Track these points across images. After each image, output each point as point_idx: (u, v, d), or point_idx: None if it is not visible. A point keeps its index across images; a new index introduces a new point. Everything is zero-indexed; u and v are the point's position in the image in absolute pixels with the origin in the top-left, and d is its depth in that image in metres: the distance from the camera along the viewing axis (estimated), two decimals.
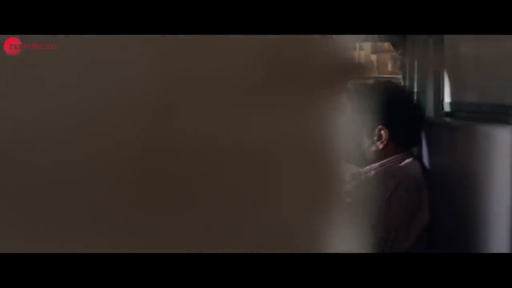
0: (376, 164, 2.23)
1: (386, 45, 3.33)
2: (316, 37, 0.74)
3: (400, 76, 2.56)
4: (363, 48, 8.75)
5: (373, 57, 9.28)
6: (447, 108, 2.43)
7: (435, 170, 2.17)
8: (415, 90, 2.47)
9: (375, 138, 2.22)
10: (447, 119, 2.31)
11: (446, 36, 2.38)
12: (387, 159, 2.22)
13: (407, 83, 2.50)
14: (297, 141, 0.72)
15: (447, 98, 2.43)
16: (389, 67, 5.73)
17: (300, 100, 0.71)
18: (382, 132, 2.21)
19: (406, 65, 2.51)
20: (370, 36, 2.69)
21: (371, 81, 2.87)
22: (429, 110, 2.45)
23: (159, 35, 0.69)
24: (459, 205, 1.94)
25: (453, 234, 1.99)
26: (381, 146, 2.22)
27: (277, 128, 0.71)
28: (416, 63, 2.47)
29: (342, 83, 0.74)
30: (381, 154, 2.23)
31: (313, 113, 0.72)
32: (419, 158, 2.27)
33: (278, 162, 0.72)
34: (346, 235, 0.73)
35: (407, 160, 2.21)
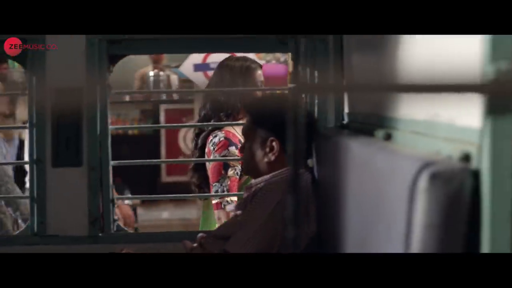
0: (268, 176, 2.22)
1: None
2: None
3: None
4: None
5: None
6: (346, 119, 2.42)
7: (323, 181, 2.16)
8: (316, 101, 2.47)
9: (267, 149, 2.21)
10: (343, 131, 2.30)
11: (345, 48, 2.37)
12: (279, 171, 2.21)
13: (308, 94, 2.50)
14: None
15: (346, 109, 2.42)
16: None
17: None
18: (274, 143, 2.21)
19: (306, 76, 2.50)
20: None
21: (264, 94, 2.87)
22: (330, 121, 2.45)
23: None
24: (341, 216, 1.93)
25: (339, 244, 1.97)
26: (273, 157, 2.21)
27: None
28: (316, 74, 2.46)
29: None
30: (274, 166, 2.22)
31: None
32: (311, 169, 2.26)
33: None
34: None
35: None
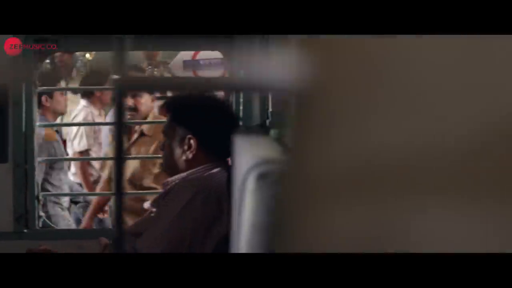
0: (184, 173, 2.21)
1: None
2: None
3: None
4: None
5: None
6: (270, 117, 2.41)
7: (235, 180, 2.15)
8: (241, 99, 2.46)
9: (185, 147, 2.21)
10: (260, 129, 2.29)
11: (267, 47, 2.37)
12: (195, 169, 2.21)
13: (233, 92, 2.49)
14: None
15: (270, 107, 2.41)
16: None
17: None
18: (191, 141, 2.20)
19: (232, 74, 2.50)
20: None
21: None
22: (256, 119, 2.44)
23: None
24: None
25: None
26: (190, 155, 2.21)
27: None
28: (242, 71, 2.45)
29: None
30: (191, 164, 2.21)
31: None
32: (229, 168, 2.25)
33: None
34: None
35: (214, 170, 2.19)
